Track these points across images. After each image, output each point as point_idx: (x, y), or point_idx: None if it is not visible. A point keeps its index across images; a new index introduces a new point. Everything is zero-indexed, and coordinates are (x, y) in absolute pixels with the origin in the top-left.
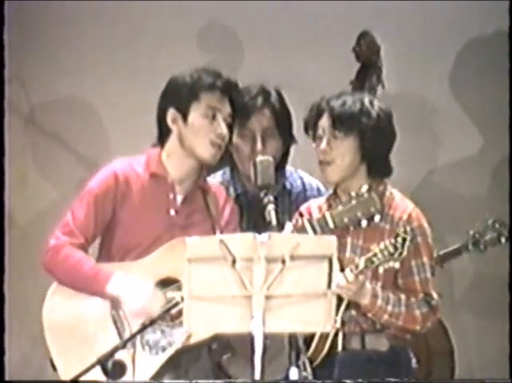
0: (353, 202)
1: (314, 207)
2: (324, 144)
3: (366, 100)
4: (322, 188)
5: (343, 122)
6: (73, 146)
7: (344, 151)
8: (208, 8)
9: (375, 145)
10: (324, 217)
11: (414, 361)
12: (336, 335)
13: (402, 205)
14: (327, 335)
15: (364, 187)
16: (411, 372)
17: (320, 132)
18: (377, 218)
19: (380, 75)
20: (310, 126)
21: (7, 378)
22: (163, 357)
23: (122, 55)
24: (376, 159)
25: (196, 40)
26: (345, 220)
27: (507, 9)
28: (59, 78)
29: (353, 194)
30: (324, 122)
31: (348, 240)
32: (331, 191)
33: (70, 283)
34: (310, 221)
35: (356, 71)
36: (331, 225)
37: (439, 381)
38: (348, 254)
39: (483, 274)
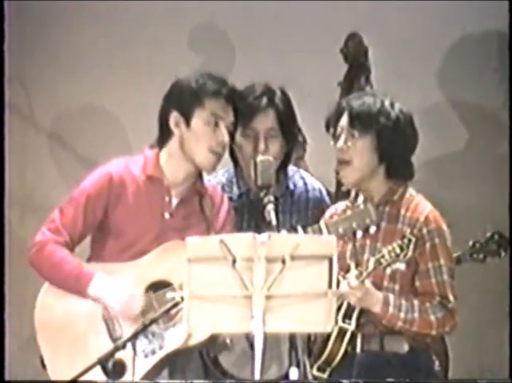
0: (348, 212)
1: (340, 209)
2: (341, 143)
3: (387, 102)
4: (324, 189)
5: (360, 121)
6: (73, 146)
7: (360, 150)
8: (203, 9)
9: (393, 146)
10: (319, 226)
11: (437, 364)
12: (354, 336)
13: (420, 207)
14: (343, 337)
15: (361, 198)
16: (432, 375)
17: (339, 130)
18: (372, 229)
19: (368, 76)
20: (331, 125)
21: (7, 378)
22: (152, 361)
23: (121, 55)
24: (394, 161)
25: (192, 41)
26: (340, 230)
27: (507, 8)
28: (59, 78)
29: (349, 204)
30: (344, 121)
31: (368, 242)
32: (353, 193)
33: (53, 281)
34: (305, 229)
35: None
36: (325, 235)
37: (432, 382)
38: (366, 255)
39: (484, 274)
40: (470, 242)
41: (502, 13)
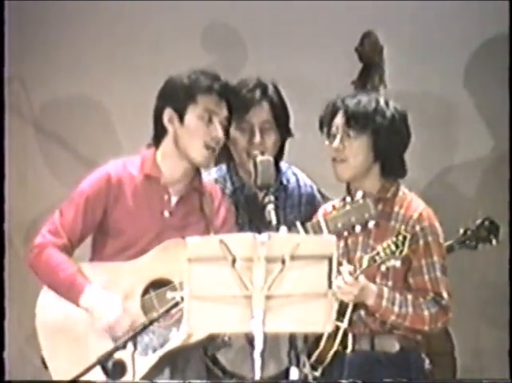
0: (347, 207)
1: (329, 208)
2: (337, 142)
3: (381, 100)
4: (315, 186)
5: (357, 120)
6: (73, 146)
7: (357, 149)
8: (210, 8)
9: (388, 145)
10: (318, 222)
11: (427, 362)
12: (345, 336)
13: (414, 204)
14: (335, 336)
15: (359, 193)
16: (423, 373)
17: (334, 129)
18: (371, 224)
19: (382, 75)
20: (325, 124)
21: (7, 378)
22: (153, 359)
23: (122, 55)
24: (389, 160)
25: (198, 40)
26: (339, 225)
27: (507, 9)
28: (59, 78)
29: (348, 199)
30: (339, 120)
31: (360, 239)
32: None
33: (49, 286)
34: (304, 225)
35: (358, 71)
36: (324, 230)
37: (437, 381)
38: (358, 253)
39: (483, 273)
40: (461, 230)
41: (502, 14)
